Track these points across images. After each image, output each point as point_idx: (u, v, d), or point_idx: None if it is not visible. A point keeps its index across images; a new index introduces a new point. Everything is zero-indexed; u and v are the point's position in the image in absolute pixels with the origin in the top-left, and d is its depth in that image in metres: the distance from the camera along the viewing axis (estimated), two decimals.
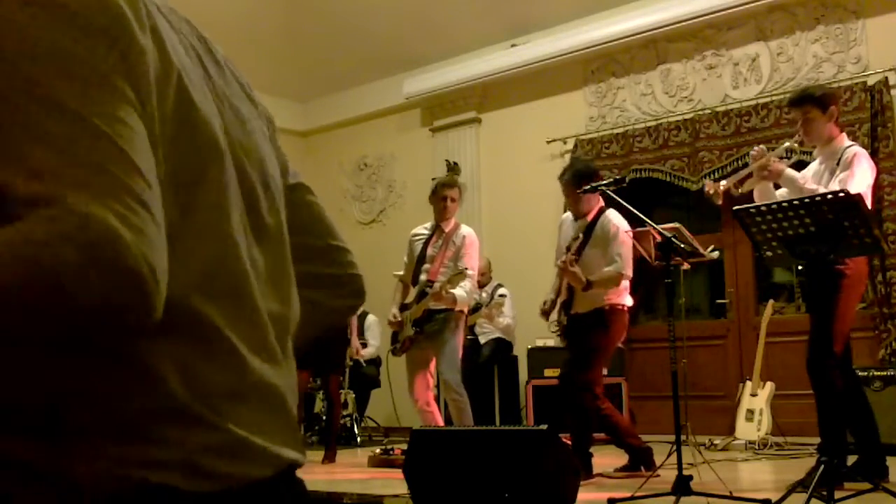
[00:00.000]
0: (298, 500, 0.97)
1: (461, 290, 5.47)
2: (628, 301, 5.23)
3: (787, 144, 4.77)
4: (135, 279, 0.74)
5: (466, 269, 5.48)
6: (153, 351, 0.83)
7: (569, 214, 5.50)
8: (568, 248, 5.19)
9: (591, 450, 5.14)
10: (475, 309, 7.20)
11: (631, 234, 5.06)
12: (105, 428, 0.83)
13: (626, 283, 5.16)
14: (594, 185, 4.99)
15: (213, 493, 0.86)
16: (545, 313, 5.33)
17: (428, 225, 5.85)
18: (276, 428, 0.94)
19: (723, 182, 4.65)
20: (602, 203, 5.24)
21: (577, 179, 5.18)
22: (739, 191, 4.65)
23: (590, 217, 5.26)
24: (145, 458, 0.83)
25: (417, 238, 5.85)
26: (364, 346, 8.68)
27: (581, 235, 5.19)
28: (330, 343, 6.60)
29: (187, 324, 0.86)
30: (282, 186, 1.10)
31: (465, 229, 5.76)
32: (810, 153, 4.84)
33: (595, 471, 5.09)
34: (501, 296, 7.80)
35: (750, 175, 4.64)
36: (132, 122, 0.81)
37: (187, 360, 0.86)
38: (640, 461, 5.17)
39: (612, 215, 5.14)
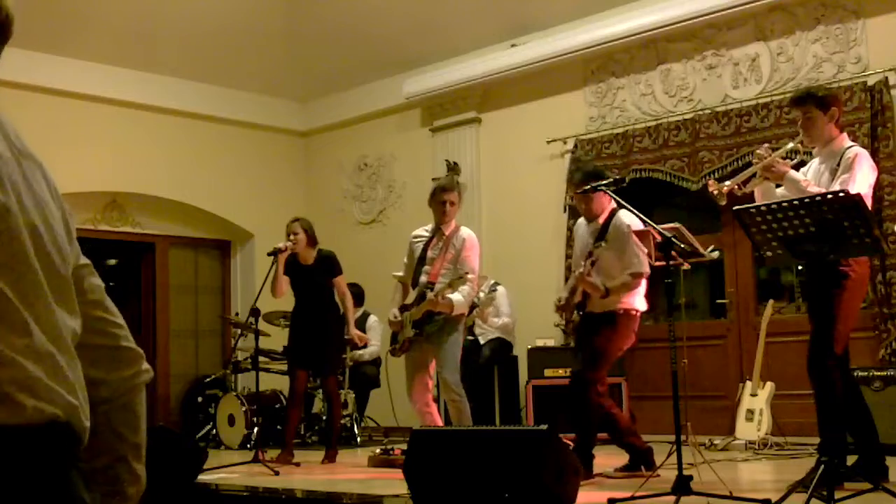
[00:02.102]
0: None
1: (458, 295, 5.46)
2: (642, 306, 5.22)
3: (790, 145, 4.77)
4: None
5: (467, 272, 5.48)
6: None
7: (583, 220, 5.46)
8: (590, 255, 5.09)
9: (592, 450, 5.14)
10: (471, 309, 7.18)
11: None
12: None
13: (643, 286, 5.15)
14: (594, 185, 4.99)
15: (22, 426, 1.15)
16: (561, 309, 5.32)
17: (428, 227, 5.84)
18: (60, 384, 1.22)
19: (727, 182, 4.65)
20: (614, 204, 5.22)
21: (588, 180, 5.16)
22: (743, 191, 4.65)
23: (602, 219, 5.24)
24: None
25: (417, 240, 5.84)
26: (365, 345, 8.68)
27: (603, 243, 5.08)
28: (327, 343, 6.59)
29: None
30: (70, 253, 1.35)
31: (465, 231, 5.75)
32: (811, 153, 4.84)
33: (595, 471, 5.09)
34: (492, 291, 7.77)
35: (754, 175, 4.64)
36: None
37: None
38: (641, 461, 5.17)
39: (625, 216, 5.11)
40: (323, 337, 6.56)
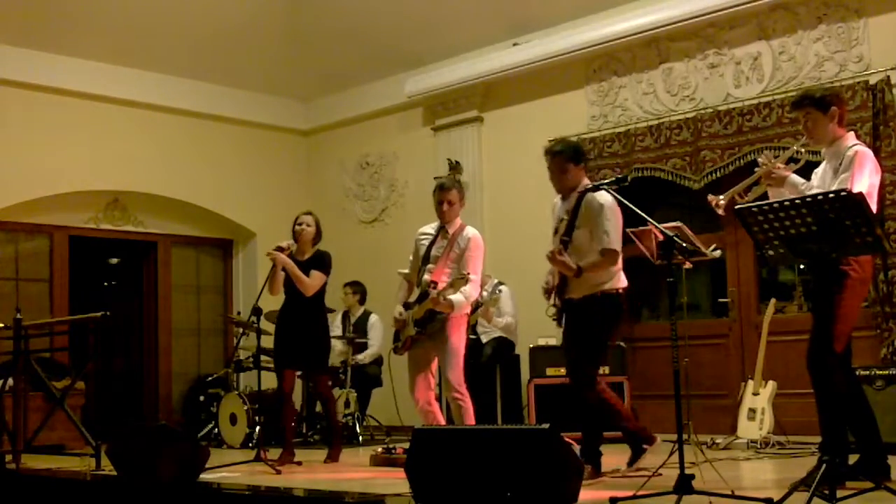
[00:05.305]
0: None
1: (459, 296, 5.41)
2: (622, 283, 5.12)
3: (793, 147, 4.77)
4: None
5: (469, 273, 5.44)
6: None
7: (559, 198, 5.37)
8: (556, 232, 5.10)
9: (600, 448, 5.12)
10: (475, 308, 7.18)
11: (620, 213, 4.99)
12: None
13: (619, 264, 5.07)
14: (596, 184, 4.98)
15: None
16: (547, 292, 5.27)
17: (434, 225, 5.81)
18: None
19: (721, 197, 4.69)
20: (587, 182, 5.18)
21: (574, 153, 5.13)
22: (745, 199, 4.65)
23: (575, 195, 5.15)
24: None
25: (423, 237, 5.80)
26: (365, 346, 8.68)
27: (566, 217, 5.07)
28: (313, 343, 6.50)
29: None
30: None
31: (471, 231, 5.67)
32: (818, 153, 4.83)
33: (602, 469, 5.07)
34: (498, 291, 7.76)
35: (756, 183, 4.66)
36: None
37: None
38: (640, 441, 5.10)
39: (598, 193, 5.02)
40: (309, 336, 6.46)
